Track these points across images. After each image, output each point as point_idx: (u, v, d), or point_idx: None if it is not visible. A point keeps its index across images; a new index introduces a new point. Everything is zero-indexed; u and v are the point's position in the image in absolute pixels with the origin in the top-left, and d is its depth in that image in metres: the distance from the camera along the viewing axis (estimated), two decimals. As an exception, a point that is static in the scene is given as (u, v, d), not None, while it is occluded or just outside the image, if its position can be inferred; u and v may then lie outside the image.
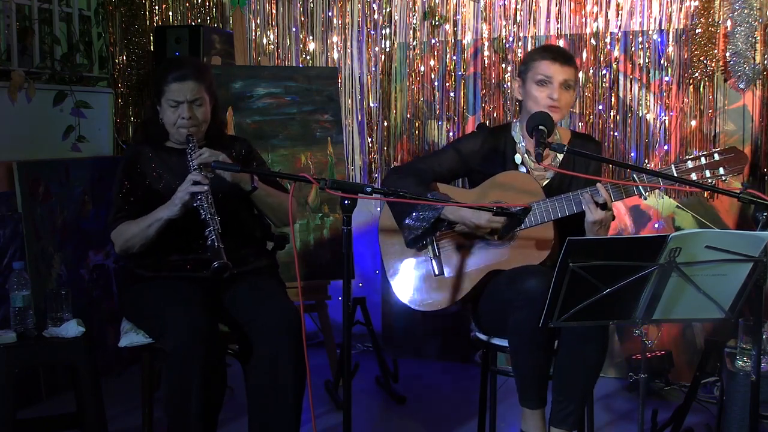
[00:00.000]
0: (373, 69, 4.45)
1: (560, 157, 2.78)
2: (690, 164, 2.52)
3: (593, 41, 4.00)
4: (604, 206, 2.56)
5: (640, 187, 2.58)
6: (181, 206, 2.66)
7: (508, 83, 4.14)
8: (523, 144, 2.83)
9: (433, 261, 2.75)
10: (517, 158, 2.82)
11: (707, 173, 2.51)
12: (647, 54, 3.91)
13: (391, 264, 2.88)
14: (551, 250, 2.64)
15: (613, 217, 2.82)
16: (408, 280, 2.84)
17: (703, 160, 2.51)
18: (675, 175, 2.52)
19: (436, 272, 2.74)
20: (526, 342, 2.53)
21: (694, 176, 2.52)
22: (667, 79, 3.89)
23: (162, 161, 2.86)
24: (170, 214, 2.68)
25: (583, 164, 2.79)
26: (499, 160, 2.83)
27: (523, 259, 2.65)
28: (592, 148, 2.84)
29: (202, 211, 2.62)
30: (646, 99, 3.94)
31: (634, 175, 2.61)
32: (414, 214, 2.71)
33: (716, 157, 2.51)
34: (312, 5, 4.50)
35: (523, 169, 2.81)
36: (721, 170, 2.50)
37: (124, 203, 2.81)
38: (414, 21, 4.35)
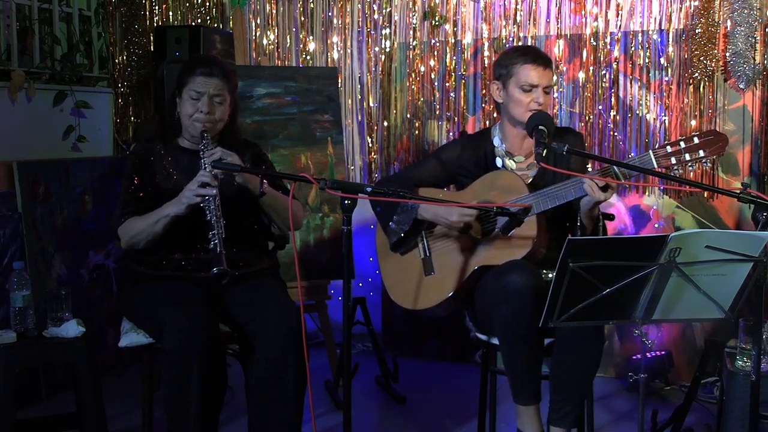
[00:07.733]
0: (373, 69, 4.45)
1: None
2: (669, 149, 2.48)
3: (593, 41, 4.00)
4: (605, 187, 2.53)
5: (619, 174, 2.54)
6: (188, 206, 2.66)
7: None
8: (502, 147, 2.84)
9: (423, 261, 2.83)
10: (498, 162, 2.84)
11: (687, 156, 2.46)
12: (647, 54, 3.91)
13: (384, 266, 2.96)
14: (537, 242, 2.64)
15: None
16: (400, 282, 2.89)
17: (682, 144, 2.47)
18: (654, 160, 2.49)
19: (427, 272, 2.82)
20: (511, 336, 2.54)
21: (673, 160, 2.48)
22: (667, 79, 3.89)
23: (173, 159, 2.86)
24: (177, 211, 2.68)
25: (563, 159, 2.72)
26: (481, 165, 2.86)
27: (508, 254, 2.66)
28: (572, 140, 2.79)
29: (208, 212, 2.61)
30: (646, 99, 3.93)
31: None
32: (395, 217, 2.80)
33: (695, 140, 2.46)
34: (312, 5, 4.50)
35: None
36: (701, 152, 2.46)
37: (133, 199, 2.81)
38: (414, 21, 4.35)
